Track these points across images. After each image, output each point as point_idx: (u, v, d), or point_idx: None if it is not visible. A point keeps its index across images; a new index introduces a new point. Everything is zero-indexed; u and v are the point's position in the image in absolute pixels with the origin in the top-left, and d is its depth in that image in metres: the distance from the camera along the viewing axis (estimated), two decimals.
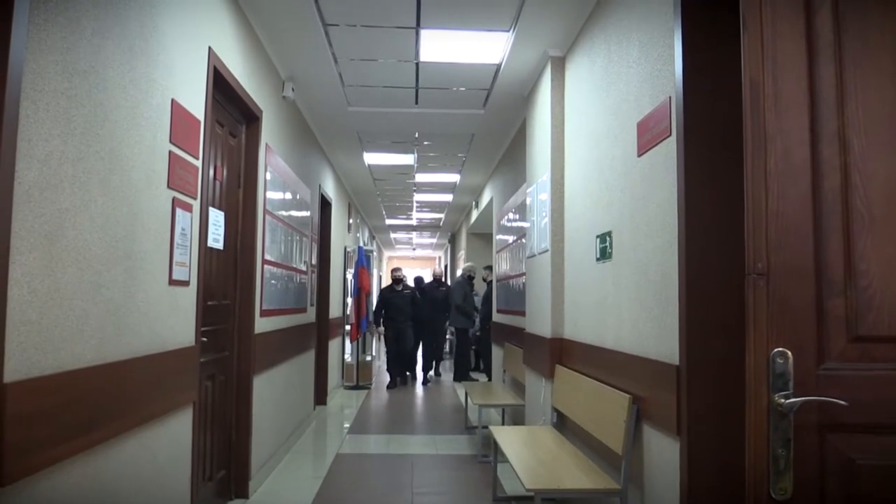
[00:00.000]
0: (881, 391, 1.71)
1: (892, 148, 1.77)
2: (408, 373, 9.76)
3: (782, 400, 1.70)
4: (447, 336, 11.78)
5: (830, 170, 1.77)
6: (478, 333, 9.64)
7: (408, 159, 8.27)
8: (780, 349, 1.72)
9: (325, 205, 7.84)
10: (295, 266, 5.79)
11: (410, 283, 10.84)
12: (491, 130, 6.77)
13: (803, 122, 1.78)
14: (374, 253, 16.25)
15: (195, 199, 3.18)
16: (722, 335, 2.37)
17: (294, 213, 5.73)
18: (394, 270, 9.56)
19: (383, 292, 9.43)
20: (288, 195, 5.48)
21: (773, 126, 1.77)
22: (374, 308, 9.85)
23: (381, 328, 9.47)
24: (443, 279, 10.62)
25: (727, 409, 2.34)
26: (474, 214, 11.44)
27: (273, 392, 5.05)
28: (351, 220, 10.86)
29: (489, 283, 9.24)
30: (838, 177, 1.78)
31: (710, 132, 2.43)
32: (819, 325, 1.74)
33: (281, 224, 5.18)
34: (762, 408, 1.71)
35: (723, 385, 2.37)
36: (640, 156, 2.94)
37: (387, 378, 9.94)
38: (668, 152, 2.63)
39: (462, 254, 14.22)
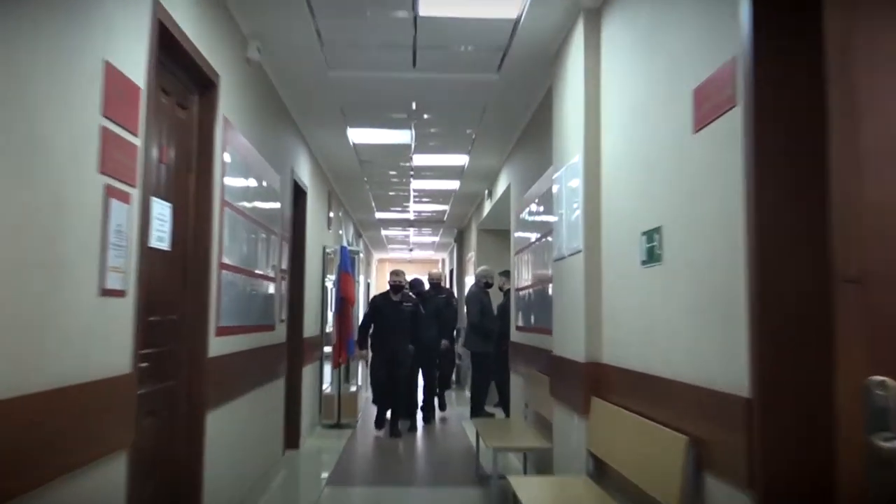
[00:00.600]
0: None
1: None
2: (405, 417, 9.20)
3: (882, 443, 1.67)
4: (455, 361, 11.53)
5: None
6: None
7: (403, 137, 8.27)
8: (880, 378, 1.69)
9: (298, 194, 7.85)
10: (261, 272, 5.81)
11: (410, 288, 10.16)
12: (507, 101, 6.75)
13: None
14: (361, 255, 16.29)
15: (134, 187, 3.17)
16: (806, 357, 2.35)
17: (260, 204, 5.74)
18: (393, 274, 9.01)
19: (375, 301, 9.02)
20: (252, 182, 5.49)
21: (868, 90, 1.74)
22: (359, 323, 9.48)
23: (366, 351, 9.07)
24: (442, 283, 10.24)
25: (814, 453, 2.31)
26: (487, 206, 11.44)
27: (232, 432, 5.04)
28: (332, 214, 10.87)
29: (506, 293, 9.23)
30: None
31: (785, 101, 2.40)
32: None
33: (243, 218, 5.18)
34: (855, 452, 1.68)
35: (807, 422, 2.35)
36: (696, 132, 2.92)
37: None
38: (732, 128, 2.61)
39: (472, 256, 14.23)
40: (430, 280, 10.03)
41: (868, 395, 1.68)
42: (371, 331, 8.97)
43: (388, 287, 9.10)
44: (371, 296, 13.51)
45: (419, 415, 9.79)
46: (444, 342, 9.81)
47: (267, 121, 6.15)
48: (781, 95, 2.41)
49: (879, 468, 1.66)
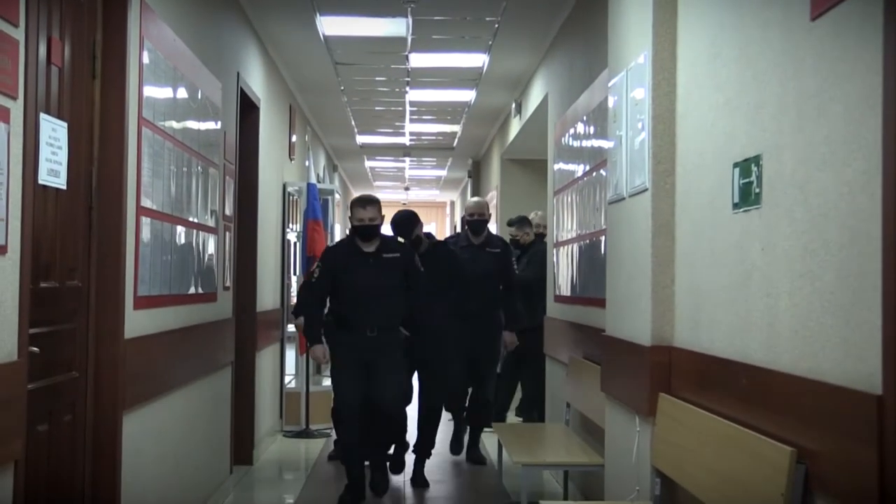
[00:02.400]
0: None
1: None
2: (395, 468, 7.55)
3: None
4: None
5: None
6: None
7: (396, 27, 8.22)
8: None
9: (248, 110, 7.84)
10: (196, 220, 5.82)
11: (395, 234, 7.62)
12: None
13: None
14: (338, 196, 16.30)
15: (14, 99, 3.16)
16: None
17: (193, 124, 5.74)
18: (358, 205, 6.69)
19: (330, 256, 6.88)
20: (182, 93, 5.48)
21: None
22: (301, 294, 7.36)
23: (321, 347, 6.88)
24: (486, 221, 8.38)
25: None
26: (514, 128, 11.41)
27: (158, 442, 5.08)
28: (295, 138, 10.85)
29: (526, 249, 9.22)
30: None
31: None
32: None
33: (171, 144, 5.17)
34: None
35: None
36: (814, 19, 2.90)
37: None
38: (866, 10, 2.58)
39: (493, 196, 14.23)
40: (471, 217, 8.32)
41: None
42: (326, 309, 6.94)
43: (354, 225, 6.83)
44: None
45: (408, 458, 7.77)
46: (509, 336, 8.31)
47: (204, 7, 6.10)
48: None
49: None
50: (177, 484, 5.48)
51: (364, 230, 6.61)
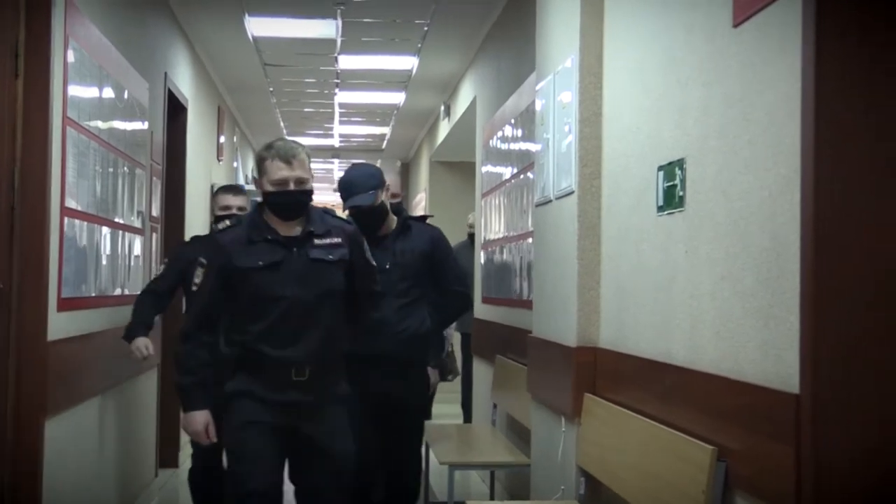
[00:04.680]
0: None
1: None
2: None
3: None
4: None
5: None
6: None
7: (326, 29, 8.19)
8: None
9: (175, 111, 7.78)
10: (122, 220, 5.77)
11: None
12: None
13: None
14: (224, 223, 16.15)
15: None
16: (883, 341, 2.38)
17: (120, 124, 5.68)
18: (270, 154, 4.09)
19: (214, 246, 4.23)
20: (109, 92, 5.43)
21: None
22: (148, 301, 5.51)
23: (204, 414, 4.15)
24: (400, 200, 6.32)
25: (888, 468, 2.35)
26: (443, 130, 11.41)
27: (81, 445, 5.02)
28: (223, 139, 10.78)
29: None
30: None
31: None
32: None
33: (96, 144, 5.13)
34: None
35: (883, 430, 2.38)
36: (737, 26, 2.93)
37: None
38: (787, 19, 2.61)
39: (421, 198, 14.24)
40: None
41: None
42: (207, 329, 4.13)
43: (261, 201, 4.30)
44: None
45: None
46: (446, 349, 6.22)
47: (131, 7, 6.04)
48: None
49: None
50: (100, 488, 5.41)
51: (286, 200, 4.04)
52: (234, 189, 5.74)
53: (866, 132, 2.41)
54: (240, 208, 5.42)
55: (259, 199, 4.15)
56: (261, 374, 4.04)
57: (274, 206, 4.07)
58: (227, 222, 4.24)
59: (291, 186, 4.00)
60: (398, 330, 4.92)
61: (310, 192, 4.11)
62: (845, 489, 2.42)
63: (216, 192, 5.67)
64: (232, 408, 4.06)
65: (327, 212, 4.27)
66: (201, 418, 4.05)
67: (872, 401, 2.39)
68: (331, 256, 4.12)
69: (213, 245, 4.18)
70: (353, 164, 5.16)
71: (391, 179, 5.22)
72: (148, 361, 5.57)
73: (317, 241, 4.11)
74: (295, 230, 4.10)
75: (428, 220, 5.45)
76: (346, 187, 4.87)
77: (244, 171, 12.95)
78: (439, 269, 5.09)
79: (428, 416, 5.52)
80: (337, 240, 4.17)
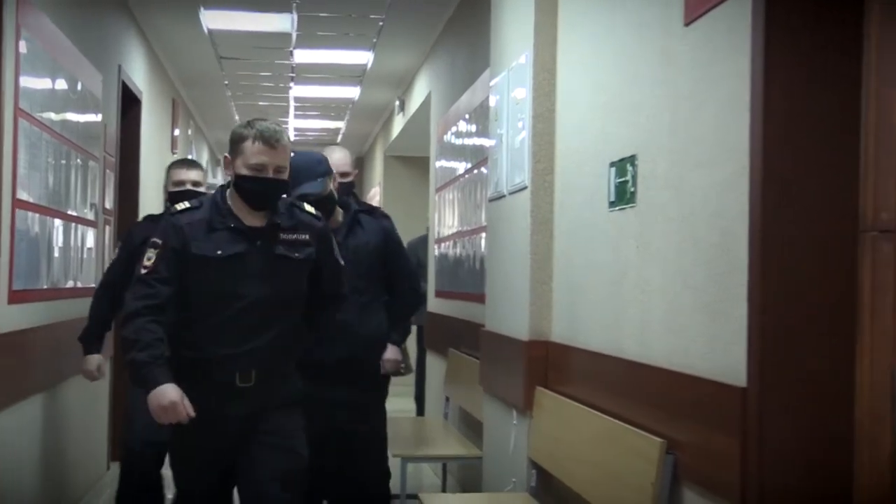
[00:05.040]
0: None
1: None
2: None
3: None
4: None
5: None
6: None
7: (281, 23, 8.15)
8: None
9: (129, 103, 7.70)
10: (74, 213, 5.71)
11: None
12: None
13: None
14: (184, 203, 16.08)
15: None
16: (825, 336, 2.41)
17: (73, 116, 5.62)
18: (253, 140, 3.64)
19: (170, 230, 3.66)
20: (61, 84, 5.37)
21: None
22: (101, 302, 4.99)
23: (97, 357, 4.95)
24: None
25: (831, 462, 2.39)
26: (398, 125, 11.39)
27: (32, 439, 4.98)
28: (178, 132, 10.69)
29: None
30: None
31: None
32: None
33: (49, 135, 5.07)
34: (882, 457, 1.76)
35: (824, 422, 2.41)
36: (688, 24, 2.95)
37: None
38: (737, 18, 2.64)
39: (376, 192, 14.21)
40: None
41: None
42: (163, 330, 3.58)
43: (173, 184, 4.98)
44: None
45: None
46: (392, 349, 4.97)
47: None
48: None
49: None
50: (52, 482, 5.35)
51: (261, 188, 3.61)
52: (189, 162, 5.30)
53: (813, 129, 2.44)
54: (194, 183, 4.98)
55: (221, 182, 3.84)
56: (201, 379, 3.55)
57: (246, 192, 3.59)
58: (187, 203, 3.68)
59: (270, 174, 3.56)
60: (361, 332, 4.64)
61: (287, 183, 3.70)
62: (788, 480, 2.45)
63: (169, 167, 5.17)
64: (178, 434, 3.61)
65: (295, 205, 3.78)
66: (173, 392, 3.39)
67: (814, 394, 2.42)
68: (297, 254, 3.67)
69: (170, 225, 3.61)
70: (296, 153, 4.33)
71: (338, 157, 4.89)
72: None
73: (282, 236, 3.66)
74: (259, 221, 3.63)
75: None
76: (292, 174, 3.99)
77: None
78: (392, 265, 4.80)
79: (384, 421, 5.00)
80: (304, 236, 3.71)
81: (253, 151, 3.54)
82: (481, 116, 6.01)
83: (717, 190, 2.75)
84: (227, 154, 3.65)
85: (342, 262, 3.91)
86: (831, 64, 2.40)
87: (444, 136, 7.74)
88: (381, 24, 8.05)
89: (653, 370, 3.13)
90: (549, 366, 4.23)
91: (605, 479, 3.38)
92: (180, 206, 3.67)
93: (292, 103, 12.06)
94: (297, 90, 11.15)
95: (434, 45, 8.52)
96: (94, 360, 4.90)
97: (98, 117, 6.32)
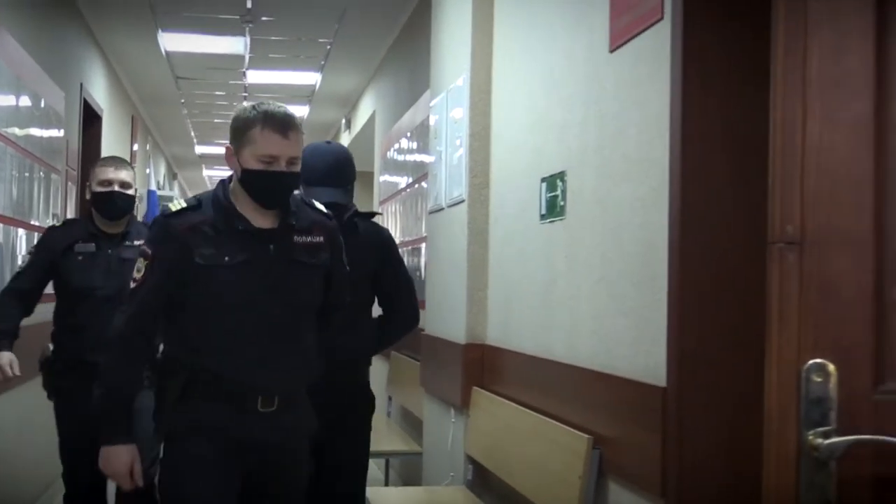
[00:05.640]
0: None
1: None
2: None
3: (820, 440, 1.78)
4: None
5: None
6: None
7: (235, 46, 8.10)
8: (818, 360, 1.80)
9: (90, 119, 7.62)
10: (37, 223, 5.66)
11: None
12: (375, 0, 6.71)
13: (865, 4, 1.84)
14: (177, 203, 15.97)
15: None
16: (738, 339, 2.43)
17: (36, 131, 5.57)
18: (263, 126, 2.83)
19: (161, 231, 2.91)
20: (25, 101, 5.31)
21: (820, 8, 1.83)
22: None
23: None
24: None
25: (743, 456, 2.41)
26: (344, 141, 11.34)
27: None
28: (136, 147, 10.59)
29: None
30: None
31: (726, 15, 2.46)
32: (879, 322, 1.82)
33: (12, 150, 5.03)
34: (789, 452, 1.79)
35: (737, 419, 2.43)
36: (613, 51, 2.97)
37: None
38: (657, 46, 2.66)
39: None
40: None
41: (804, 382, 1.78)
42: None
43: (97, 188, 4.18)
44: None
45: None
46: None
47: (47, 17, 5.92)
48: (721, 9, 2.46)
49: (815, 468, 1.78)
50: (5, 484, 5.26)
51: (274, 183, 2.86)
52: (118, 161, 4.37)
53: (726, 148, 2.46)
54: (123, 184, 4.15)
55: (177, 195, 3.58)
56: (216, 402, 2.84)
57: (256, 188, 2.86)
58: (179, 202, 2.94)
59: (283, 166, 2.82)
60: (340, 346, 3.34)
61: (299, 177, 2.94)
62: (706, 473, 2.47)
63: (96, 165, 4.34)
64: (174, 447, 2.90)
65: (304, 200, 3.06)
66: (126, 455, 2.83)
67: (729, 393, 2.44)
68: (314, 260, 2.97)
69: (164, 231, 2.87)
70: (326, 143, 3.84)
71: None
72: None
73: (297, 239, 2.94)
74: (269, 221, 2.91)
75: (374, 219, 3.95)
76: (325, 174, 3.57)
77: (156, 178, 12.75)
78: (391, 281, 3.79)
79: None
80: (319, 238, 2.99)
81: (264, 140, 2.80)
82: (422, 134, 6.01)
83: (639, 204, 2.76)
84: (228, 144, 2.91)
85: (348, 269, 3.16)
86: (743, 89, 2.43)
87: (388, 153, 7.74)
88: (329, 47, 8.04)
89: (580, 371, 3.14)
90: (484, 367, 4.23)
91: (536, 472, 3.39)
92: (174, 205, 2.92)
93: None
94: None
95: (378, 67, 8.52)
96: (4, 356, 4.01)
97: (60, 133, 6.26)
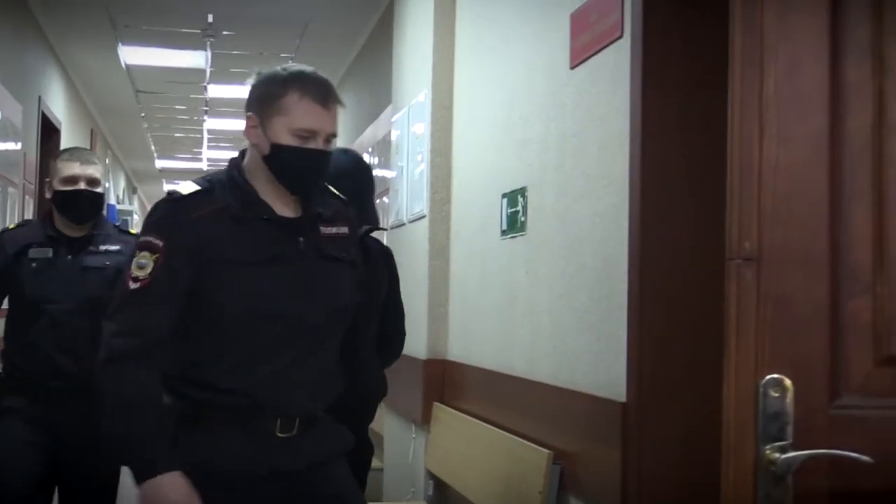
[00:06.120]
0: None
1: None
2: None
3: (777, 454, 1.80)
4: None
5: (859, 99, 1.87)
6: None
7: (196, 59, 8.09)
8: (775, 376, 1.82)
9: (48, 133, 7.57)
10: None
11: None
12: (337, 17, 6.73)
13: (820, 24, 1.87)
14: (136, 217, 15.84)
15: None
16: (697, 354, 2.45)
17: None
18: (293, 88, 2.38)
19: (170, 223, 2.33)
20: None
21: (776, 28, 1.86)
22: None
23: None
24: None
25: (701, 470, 2.44)
26: None
27: None
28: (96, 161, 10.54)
29: None
30: (871, 110, 1.88)
31: (685, 34, 2.49)
32: (834, 338, 1.85)
33: None
34: (746, 466, 1.80)
35: (696, 433, 2.45)
36: (573, 68, 3.00)
37: None
38: (617, 63, 2.69)
39: None
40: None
41: (761, 397, 1.80)
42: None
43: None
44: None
45: None
46: None
47: (4, 29, 5.88)
48: (680, 26, 2.49)
49: (772, 482, 1.80)
50: None
51: (308, 164, 2.37)
52: (85, 154, 3.75)
53: (684, 165, 2.49)
54: (91, 181, 3.56)
55: (136, 211, 3.20)
56: (230, 432, 2.32)
57: (286, 169, 2.36)
58: (193, 185, 2.39)
59: (320, 143, 2.35)
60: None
61: (331, 159, 2.43)
62: (665, 489, 2.49)
63: (57, 159, 3.70)
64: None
65: (330, 190, 2.57)
66: (179, 487, 2.21)
67: (688, 408, 2.46)
68: (344, 255, 2.49)
69: (173, 218, 2.32)
70: (343, 151, 3.30)
71: None
72: None
73: (324, 230, 2.45)
74: (292, 209, 2.42)
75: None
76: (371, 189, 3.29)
77: (115, 192, 12.68)
78: (395, 301, 3.34)
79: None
80: (344, 229, 2.51)
81: (301, 111, 2.32)
82: (384, 149, 6.02)
83: (599, 220, 2.79)
84: (250, 112, 2.42)
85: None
86: (702, 106, 2.45)
87: None
88: (290, 62, 8.05)
89: (541, 386, 3.15)
90: (445, 383, 4.24)
91: (497, 487, 3.39)
92: (184, 189, 2.36)
93: (206, 135, 11.97)
94: (211, 123, 11.08)
95: (340, 82, 8.52)
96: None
97: (18, 146, 6.22)
